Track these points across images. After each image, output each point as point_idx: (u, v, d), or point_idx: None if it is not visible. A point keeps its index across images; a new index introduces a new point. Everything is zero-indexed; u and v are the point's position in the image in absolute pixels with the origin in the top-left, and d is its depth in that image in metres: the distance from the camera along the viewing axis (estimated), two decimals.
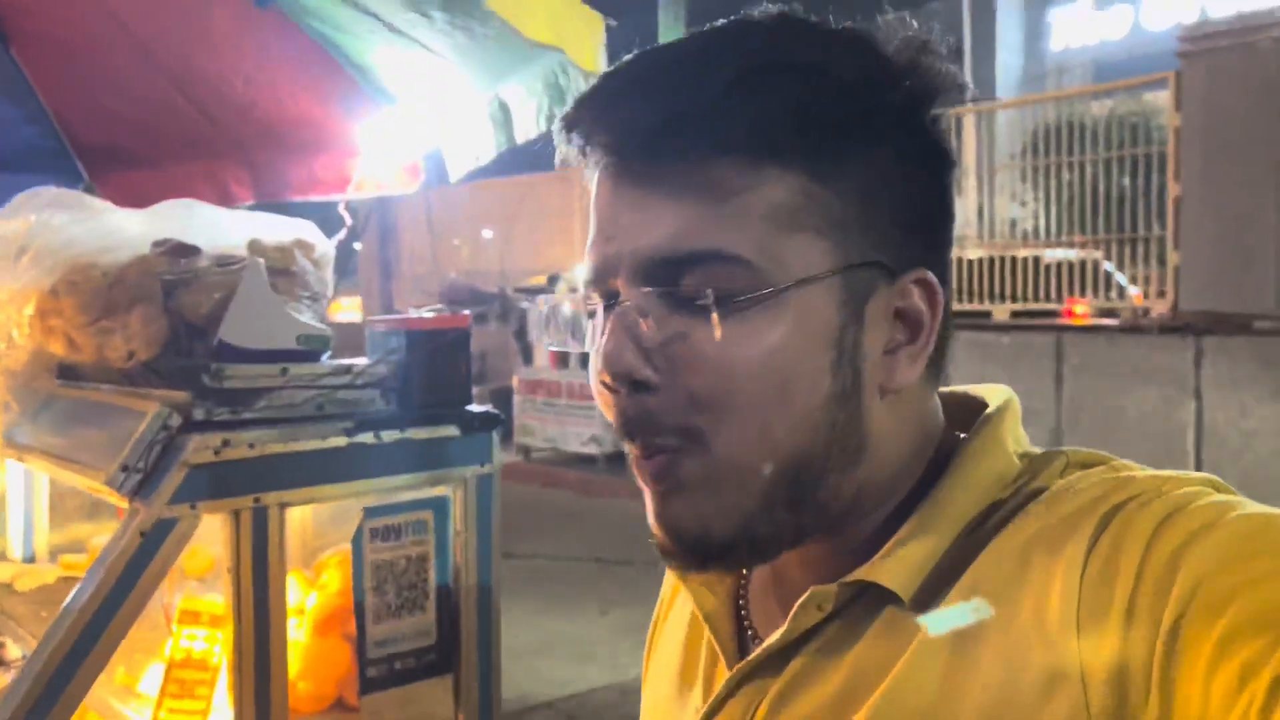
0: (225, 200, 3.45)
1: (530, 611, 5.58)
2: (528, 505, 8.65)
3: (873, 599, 0.61)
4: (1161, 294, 7.23)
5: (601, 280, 0.61)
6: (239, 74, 2.99)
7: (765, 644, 0.64)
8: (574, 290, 11.26)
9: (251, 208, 3.37)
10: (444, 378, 1.43)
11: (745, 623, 0.70)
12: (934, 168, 0.63)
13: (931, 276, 0.62)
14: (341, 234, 3.03)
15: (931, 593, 0.59)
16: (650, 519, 0.61)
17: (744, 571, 0.72)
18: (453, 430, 1.42)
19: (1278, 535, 0.51)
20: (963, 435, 0.66)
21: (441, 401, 1.43)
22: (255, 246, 1.49)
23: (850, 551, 0.63)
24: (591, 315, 0.64)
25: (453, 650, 1.44)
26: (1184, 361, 6.67)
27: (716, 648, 0.70)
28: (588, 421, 9.73)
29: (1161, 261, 7.27)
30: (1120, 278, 7.71)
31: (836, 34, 0.61)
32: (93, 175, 3.67)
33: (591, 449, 9.73)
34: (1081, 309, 7.38)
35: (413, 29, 2.15)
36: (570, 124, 0.61)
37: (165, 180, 3.53)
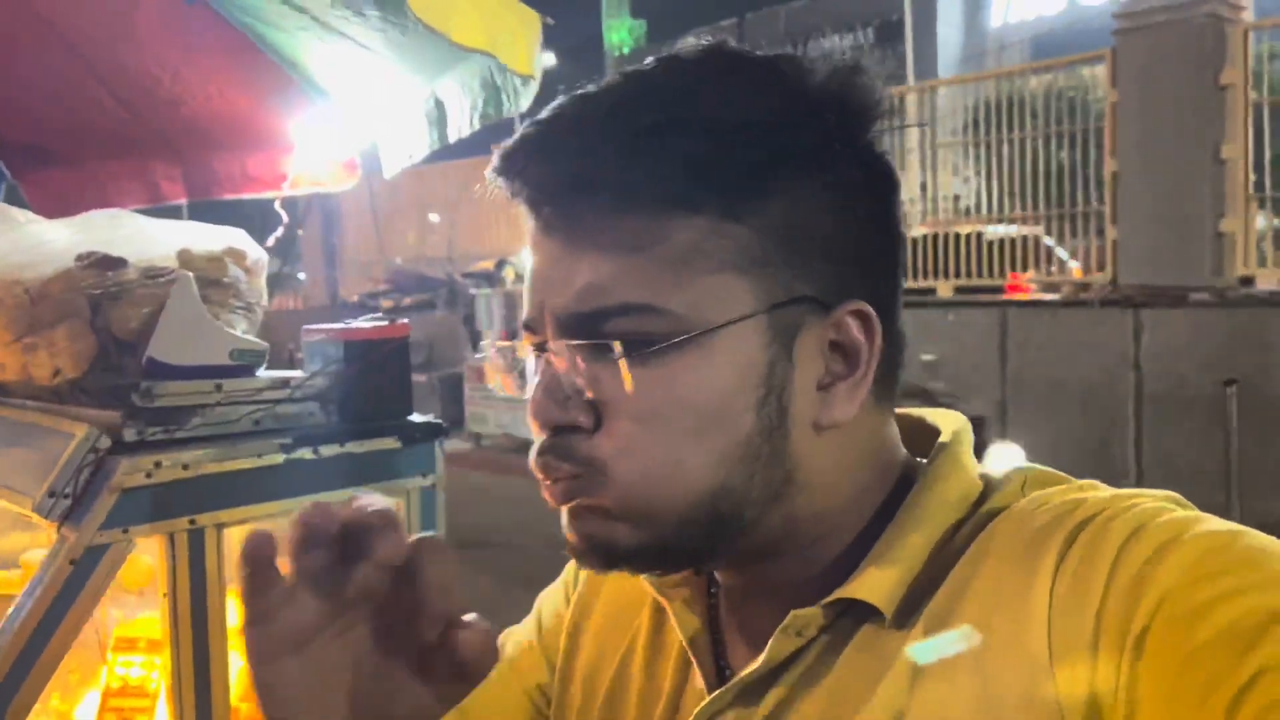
0: (156, 198, 3.37)
1: (484, 596, 5.54)
2: (479, 492, 8.60)
3: (850, 619, 0.61)
4: (1101, 268, 7.35)
5: (532, 329, 0.63)
6: (166, 70, 2.92)
7: (743, 673, 0.63)
8: (520, 277, 11.18)
9: (186, 206, 3.31)
10: (384, 389, 1.41)
11: (720, 647, 0.70)
12: (869, 193, 0.62)
13: (867, 308, 0.61)
14: (279, 231, 2.98)
15: (909, 609, 0.59)
16: (563, 525, 0.63)
17: (711, 590, 0.72)
18: (393, 443, 1.40)
19: (1240, 552, 0.52)
20: (922, 459, 0.66)
21: (382, 413, 1.41)
22: (185, 257, 1.45)
23: (816, 576, 0.63)
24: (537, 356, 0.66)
25: None
26: (1124, 334, 6.80)
27: (693, 660, 0.69)
28: None
29: (1101, 235, 7.39)
30: (1061, 252, 7.83)
31: (757, 72, 0.60)
32: (15, 174, 3.57)
33: None
34: (1024, 283, 7.49)
35: (345, 25, 2.11)
36: (498, 172, 0.62)
37: (92, 178, 3.45)
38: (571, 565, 0.85)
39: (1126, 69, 7.01)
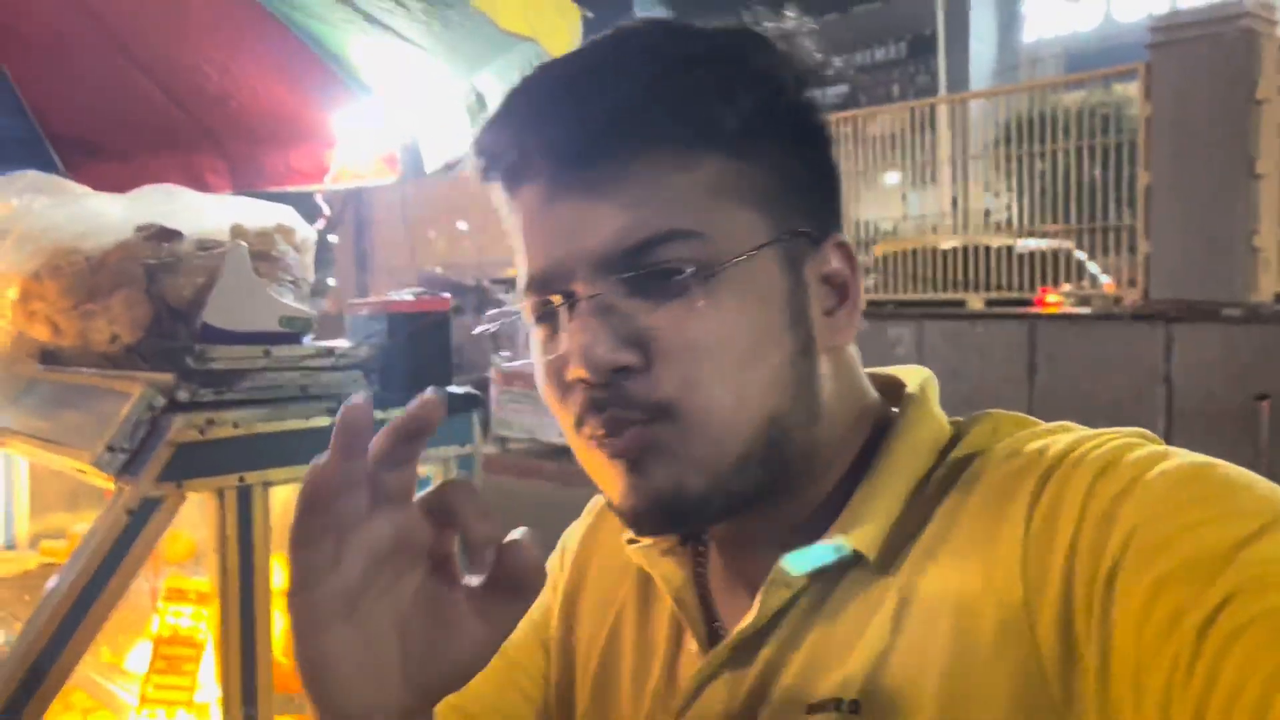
0: (202, 191, 3.44)
1: None
2: (505, 496, 8.65)
3: (837, 566, 0.62)
4: (1132, 283, 7.33)
5: (554, 286, 0.63)
6: (214, 65, 2.99)
7: (738, 628, 0.64)
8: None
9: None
10: (425, 359, 1.46)
11: (710, 608, 0.70)
12: (819, 146, 0.67)
13: (846, 239, 0.66)
14: (320, 224, 3.04)
15: (892, 553, 0.61)
16: (616, 494, 0.62)
17: (700, 548, 0.72)
18: None
19: (1207, 484, 0.53)
20: (894, 410, 0.68)
21: (422, 383, 1.45)
22: (237, 231, 1.51)
23: (802, 524, 0.64)
24: (541, 321, 0.65)
25: None
26: (1154, 349, 6.76)
27: (683, 622, 0.69)
28: None
29: (1132, 250, 7.37)
30: (1092, 267, 7.80)
31: (729, 30, 0.64)
32: (68, 166, 3.66)
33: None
34: (1054, 298, 7.46)
35: (389, 18, 2.17)
36: (490, 145, 0.63)
37: (140, 171, 3.52)
38: (555, 557, 0.84)
39: (1160, 83, 6.99)
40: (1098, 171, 7.59)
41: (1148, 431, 0.59)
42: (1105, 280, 7.79)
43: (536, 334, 0.65)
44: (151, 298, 1.42)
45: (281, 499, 1.72)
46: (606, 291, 0.60)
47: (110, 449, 1.24)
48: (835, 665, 0.60)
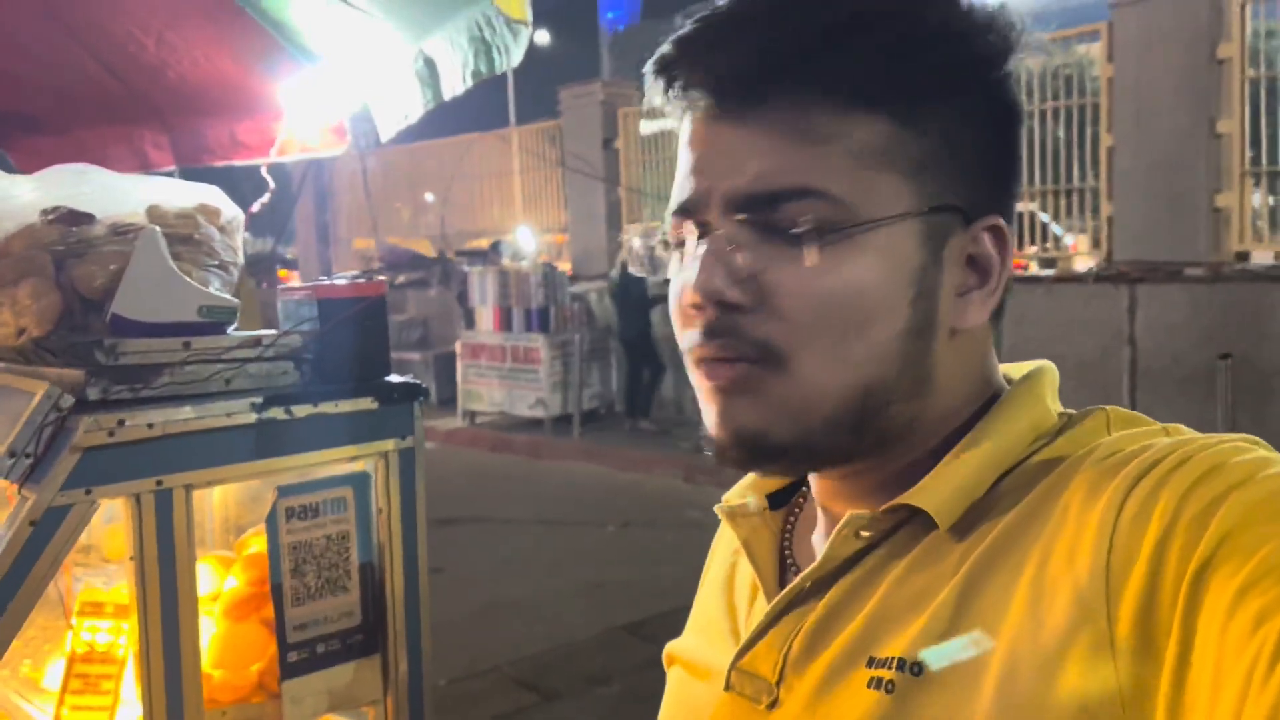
0: (145, 166, 3.33)
1: (477, 575, 5.55)
2: (474, 470, 8.59)
3: (915, 528, 0.63)
4: (1096, 244, 7.31)
5: (692, 212, 0.64)
6: (150, 34, 2.86)
7: (803, 573, 0.65)
8: (518, 257, 11.14)
9: (182, 174, 3.26)
10: (360, 348, 1.36)
11: (788, 558, 0.72)
12: (1004, 122, 0.66)
13: (1003, 223, 0.65)
14: (265, 198, 2.93)
15: (970, 525, 0.61)
16: (710, 421, 0.64)
17: (797, 509, 0.74)
18: (370, 403, 1.35)
19: None
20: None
21: (358, 373, 1.36)
22: (155, 213, 1.40)
23: (895, 482, 0.65)
24: (678, 245, 0.67)
25: (379, 631, 1.38)
26: (1118, 310, 6.77)
27: (756, 581, 0.71)
28: (533, 385, 9.65)
29: (1096, 212, 7.35)
30: (1056, 229, 7.79)
31: None
32: (3, 142, 3.53)
33: (538, 412, 9.65)
34: (1018, 260, 7.45)
35: None
36: (666, 65, 0.64)
37: (80, 145, 3.40)
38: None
39: (1123, 43, 6.95)
40: (1060, 133, 7.55)
41: (1259, 439, 0.58)
42: (1069, 242, 7.78)
43: (675, 255, 0.68)
44: (61, 287, 1.32)
45: (217, 498, 1.63)
46: (734, 230, 0.62)
47: (12, 454, 1.14)
48: (900, 625, 0.60)
